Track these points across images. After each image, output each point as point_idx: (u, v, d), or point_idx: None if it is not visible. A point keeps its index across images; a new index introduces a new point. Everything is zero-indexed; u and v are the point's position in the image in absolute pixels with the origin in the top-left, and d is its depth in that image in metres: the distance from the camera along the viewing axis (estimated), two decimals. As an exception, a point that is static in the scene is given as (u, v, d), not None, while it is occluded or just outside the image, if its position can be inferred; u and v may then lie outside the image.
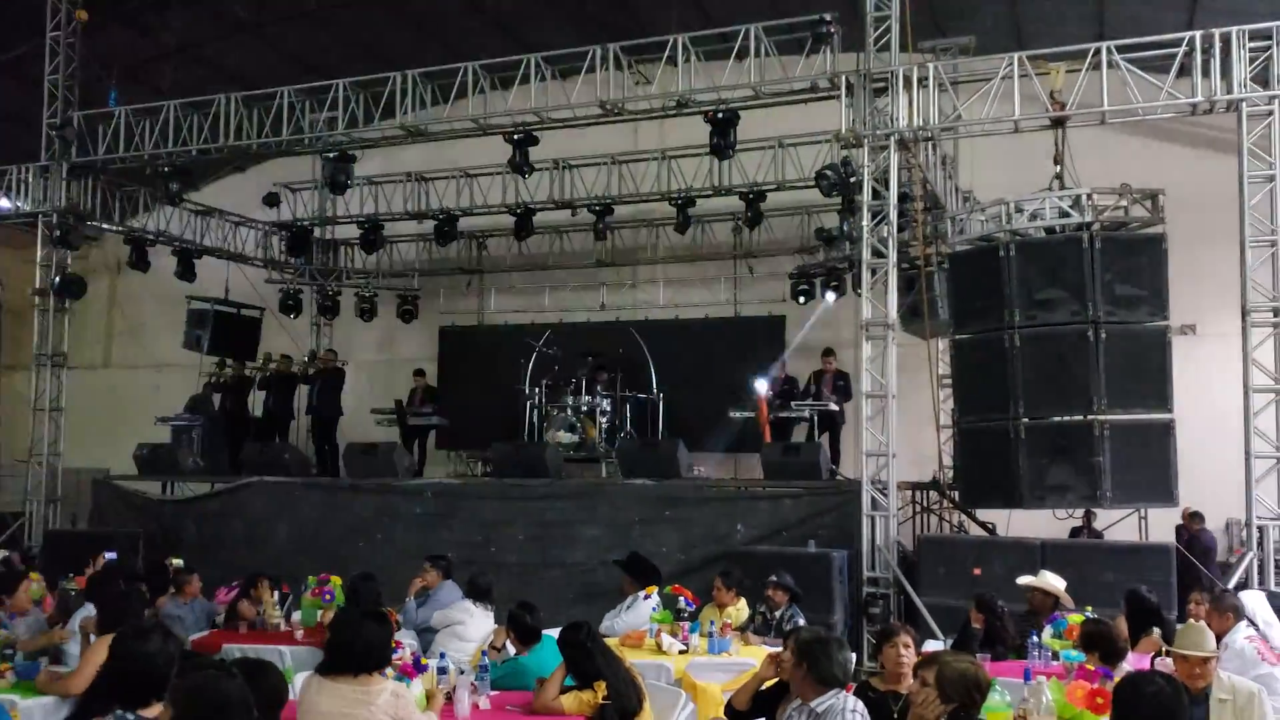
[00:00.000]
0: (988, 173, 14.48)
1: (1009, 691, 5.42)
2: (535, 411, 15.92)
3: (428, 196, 17.80)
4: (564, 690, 5.90)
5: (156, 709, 3.88)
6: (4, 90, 17.05)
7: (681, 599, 8.90)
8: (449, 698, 5.93)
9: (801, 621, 8.31)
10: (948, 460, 13.42)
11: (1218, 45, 10.98)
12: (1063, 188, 11.48)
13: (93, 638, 6.42)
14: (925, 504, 14.20)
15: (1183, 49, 11.11)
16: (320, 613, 8.55)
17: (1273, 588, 10.03)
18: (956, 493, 13.14)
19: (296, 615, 8.87)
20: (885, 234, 11.84)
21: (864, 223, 11.93)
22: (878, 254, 11.89)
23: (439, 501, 13.57)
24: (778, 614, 8.77)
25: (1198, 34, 11.11)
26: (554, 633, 6.45)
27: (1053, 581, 8.15)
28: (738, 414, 14.43)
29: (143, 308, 20.31)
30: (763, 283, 17.38)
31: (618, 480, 13.43)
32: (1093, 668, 5.55)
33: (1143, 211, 11.29)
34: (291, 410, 17.22)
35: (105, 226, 16.42)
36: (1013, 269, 11.03)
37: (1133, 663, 6.25)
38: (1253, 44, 10.91)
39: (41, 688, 6.30)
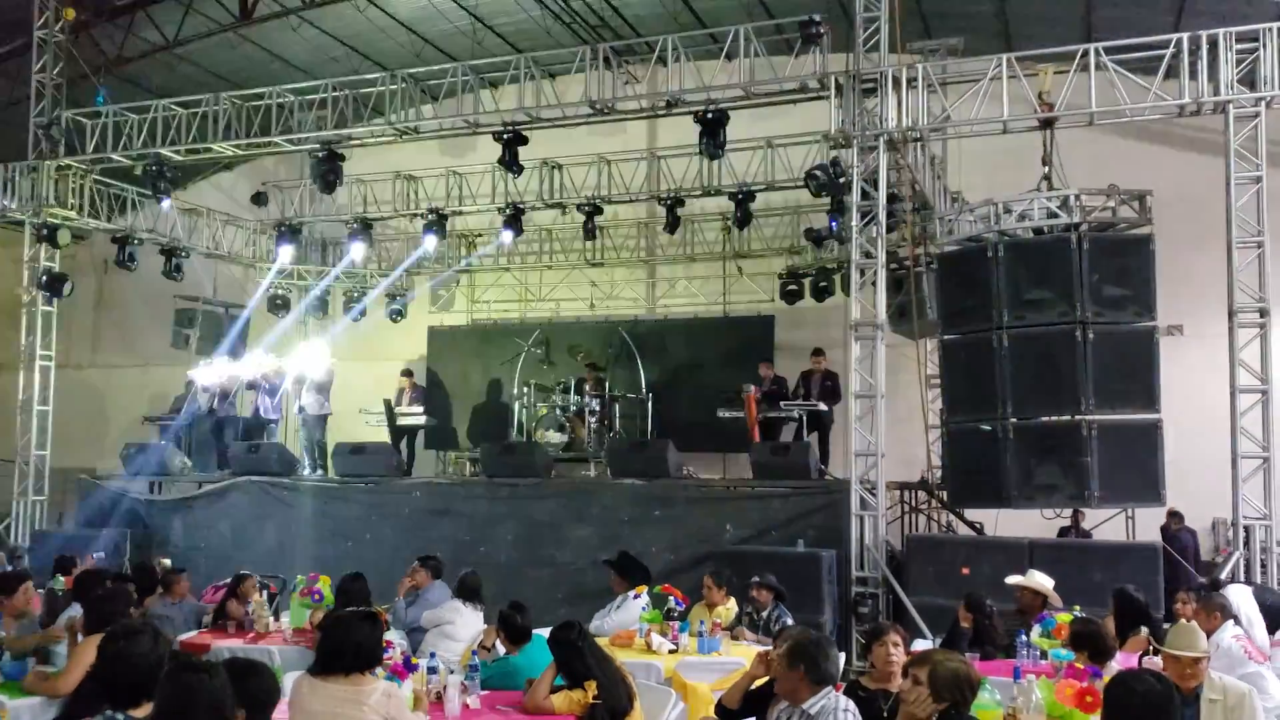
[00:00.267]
0: (976, 174, 14.51)
1: (999, 690, 5.43)
2: (524, 411, 15.92)
3: (417, 195, 17.77)
4: (554, 690, 5.90)
5: (146, 709, 3.87)
6: (-9, 88, 17.00)
7: (671, 598, 8.90)
8: (438, 697, 5.92)
9: (789, 621, 8.33)
10: (936, 460, 13.44)
11: (1205, 47, 11.05)
12: (1051, 189, 11.53)
13: (80, 638, 6.39)
14: (914, 504, 14.23)
15: (1170, 51, 11.17)
16: (309, 613, 8.53)
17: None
18: (945, 492, 13.16)
19: (285, 615, 8.85)
20: (874, 234, 11.87)
21: (853, 223, 11.95)
22: (867, 254, 11.92)
23: (428, 501, 13.57)
24: (764, 614, 8.79)
25: (1185, 36, 11.17)
26: (544, 632, 6.45)
27: (1041, 581, 8.17)
28: (726, 414, 14.43)
29: (130, 307, 20.23)
30: (752, 283, 17.41)
31: (607, 480, 13.43)
32: (1082, 666, 5.58)
33: (1130, 212, 11.35)
34: (279, 410, 17.16)
35: (93, 225, 16.35)
36: (1001, 270, 11.07)
37: (1121, 662, 6.28)
38: (1240, 46, 10.98)
39: (29, 688, 6.27)
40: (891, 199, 12.42)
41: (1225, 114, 11.08)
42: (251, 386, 17.04)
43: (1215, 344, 11.32)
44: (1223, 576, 9.93)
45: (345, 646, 5.00)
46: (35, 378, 15.51)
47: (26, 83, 15.39)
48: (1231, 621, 6.86)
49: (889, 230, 12.36)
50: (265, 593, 9.21)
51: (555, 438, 15.08)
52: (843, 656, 5.66)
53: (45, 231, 15.33)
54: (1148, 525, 13.18)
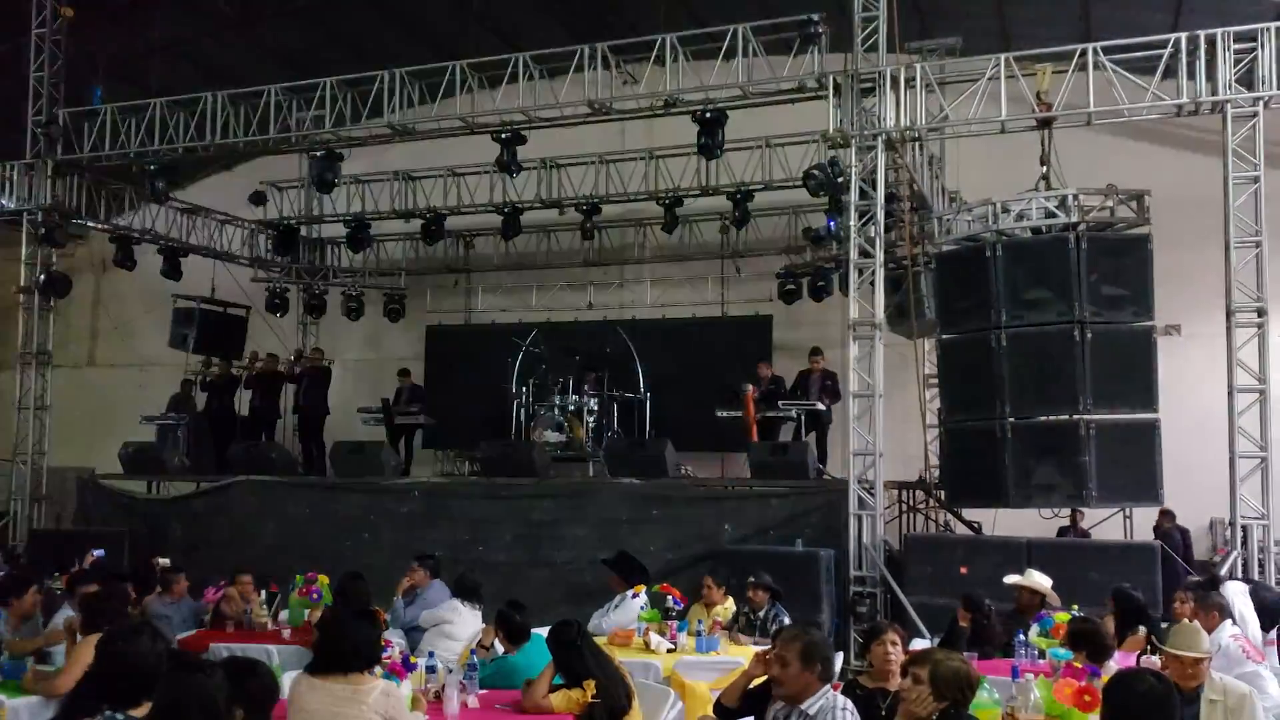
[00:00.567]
0: (974, 173, 14.51)
1: (997, 689, 5.44)
2: (522, 411, 15.92)
3: (415, 195, 17.77)
4: (553, 689, 5.91)
5: (145, 708, 3.87)
6: (-11, 87, 16.98)
7: (670, 598, 8.93)
8: (437, 696, 5.92)
9: (786, 620, 8.33)
10: (934, 460, 13.45)
11: (1203, 47, 11.06)
12: (1049, 188, 11.53)
13: (78, 637, 6.39)
14: (912, 503, 14.24)
15: (1168, 50, 11.17)
16: (308, 612, 8.54)
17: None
18: (943, 492, 13.17)
19: (284, 614, 8.85)
20: (872, 234, 11.87)
21: (851, 223, 11.95)
22: (865, 254, 11.92)
23: (426, 501, 13.57)
24: (761, 614, 8.79)
25: (1183, 35, 11.17)
26: (543, 631, 6.46)
27: (1039, 580, 8.19)
28: (725, 413, 14.43)
29: (128, 306, 20.20)
30: (750, 282, 17.40)
31: (605, 480, 13.43)
32: (1080, 665, 5.58)
33: (1128, 212, 11.35)
34: (278, 409, 17.15)
35: (90, 225, 16.35)
36: (999, 269, 11.07)
37: (1119, 661, 6.29)
38: (1237, 45, 10.99)
39: (28, 687, 6.28)
40: (890, 198, 12.42)
41: (1223, 114, 11.08)
42: (249, 386, 17.05)
43: (1213, 344, 11.33)
44: (1221, 575, 9.93)
45: (344, 646, 5.01)
46: (33, 377, 15.48)
47: (24, 81, 15.35)
48: (1230, 621, 6.88)
49: (887, 230, 12.36)
50: (264, 592, 9.22)
51: (553, 437, 15.08)
52: (840, 656, 5.67)
53: (43, 231, 15.31)
54: (1146, 525, 13.22)
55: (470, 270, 19.28)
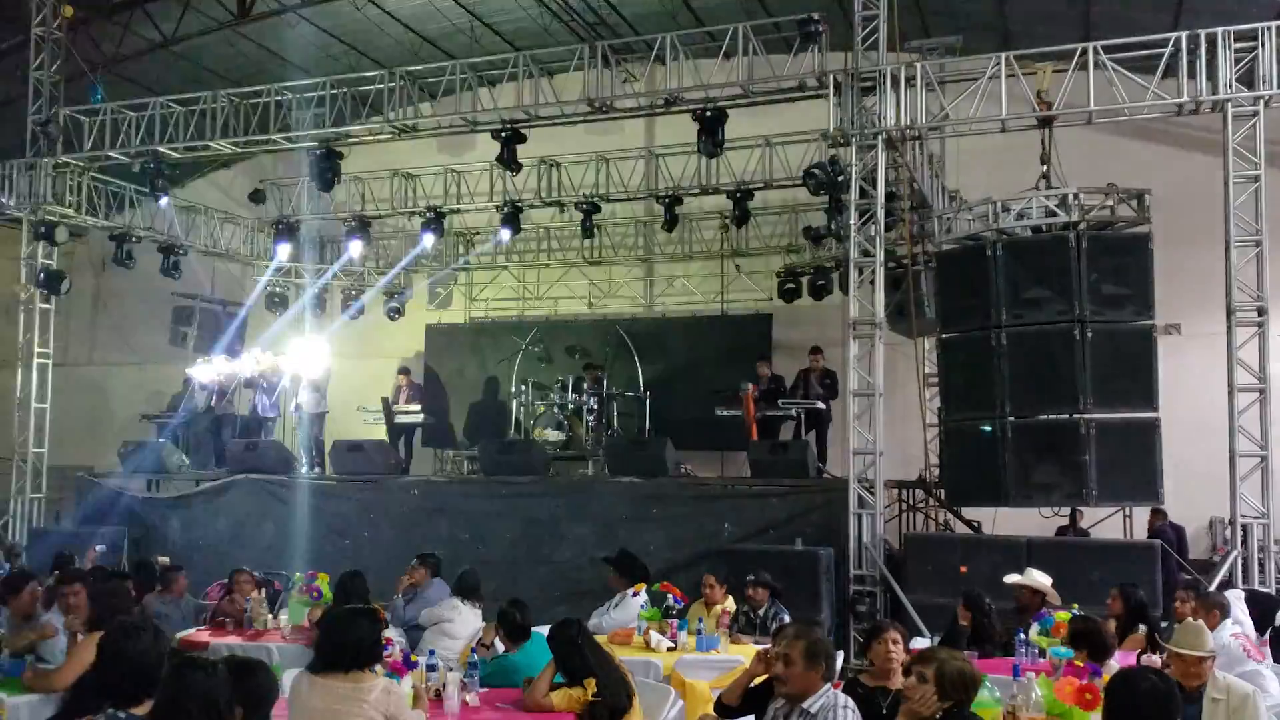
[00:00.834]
0: (974, 172, 14.51)
1: (998, 688, 5.44)
2: (522, 409, 15.92)
3: (415, 193, 17.76)
4: (554, 687, 5.91)
5: (146, 706, 3.88)
6: (-11, 86, 16.98)
7: (670, 596, 8.93)
8: (438, 695, 5.92)
9: (786, 618, 8.34)
10: (934, 459, 13.45)
11: (1203, 46, 11.05)
12: (1049, 187, 11.53)
13: (80, 636, 6.39)
14: (911, 502, 14.23)
15: (1169, 49, 11.17)
16: (308, 610, 8.53)
17: (1257, 586, 10.09)
18: (943, 491, 13.17)
19: (284, 613, 8.85)
20: (872, 233, 11.87)
21: (851, 222, 11.95)
22: (865, 253, 11.92)
23: (426, 499, 13.57)
24: (760, 612, 8.79)
25: (1184, 35, 11.17)
26: (543, 630, 6.46)
27: (1039, 579, 8.19)
28: (724, 412, 14.43)
29: (128, 304, 20.19)
30: (750, 281, 17.41)
31: (605, 478, 13.44)
32: (1081, 664, 5.58)
33: (1129, 211, 11.34)
34: (277, 408, 17.15)
35: (90, 223, 16.34)
36: (999, 268, 11.07)
37: (1120, 660, 6.29)
38: (1238, 45, 10.98)
39: (27, 684, 6.28)
40: (890, 197, 12.42)
41: (1223, 113, 11.08)
42: (249, 384, 17.04)
43: (1213, 343, 11.32)
44: (1221, 575, 9.94)
45: (345, 644, 5.00)
46: (33, 375, 15.48)
47: (24, 80, 15.35)
48: (1231, 620, 6.88)
49: (887, 229, 12.36)
50: (265, 590, 9.22)
51: (553, 436, 15.08)
52: (840, 654, 5.67)
53: (43, 229, 15.30)
54: (1145, 524, 13.21)
55: (470, 269, 19.27)
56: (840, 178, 12.09)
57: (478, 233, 18.72)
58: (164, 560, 10.48)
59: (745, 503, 12.47)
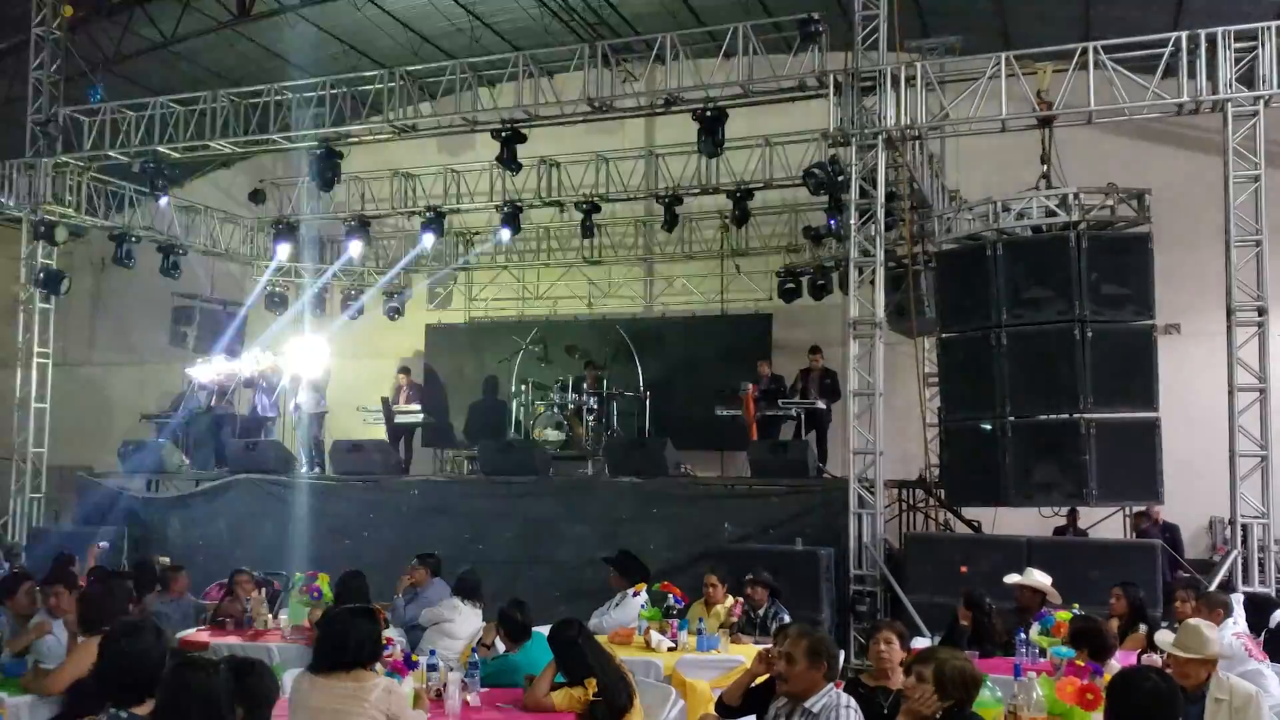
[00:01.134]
0: (974, 172, 14.53)
1: (999, 688, 5.43)
2: (522, 409, 15.91)
3: (415, 193, 17.76)
4: (554, 687, 5.91)
5: (148, 706, 3.87)
6: (-11, 86, 16.97)
7: (670, 596, 8.91)
8: (438, 695, 5.92)
9: (787, 618, 8.34)
10: (934, 458, 13.45)
11: (1204, 46, 11.05)
12: (1049, 187, 11.54)
13: (80, 638, 6.38)
14: (912, 502, 14.23)
15: (1169, 49, 11.17)
16: (308, 610, 8.53)
17: (1257, 587, 10.10)
18: (943, 491, 13.17)
19: (284, 613, 8.85)
20: (872, 233, 11.87)
21: (851, 221, 11.95)
22: (865, 253, 11.92)
23: (426, 499, 13.56)
24: (760, 612, 8.77)
25: (1184, 34, 11.17)
26: (544, 630, 6.46)
27: (1039, 579, 8.19)
28: (724, 412, 14.42)
29: (127, 304, 20.19)
30: (750, 281, 17.41)
31: (605, 478, 13.43)
32: (1082, 664, 5.57)
33: (1129, 211, 11.35)
34: (277, 407, 17.15)
35: (90, 222, 16.33)
36: (999, 268, 11.07)
37: (1120, 660, 6.29)
38: (1238, 44, 10.98)
39: (26, 685, 6.28)
40: (890, 197, 12.42)
41: (1223, 113, 11.08)
42: (249, 384, 17.02)
43: (1213, 342, 11.33)
44: (1221, 575, 9.94)
45: (346, 643, 5.00)
46: (33, 375, 15.47)
47: (24, 80, 15.34)
48: (1232, 619, 6.88)
49: (887, 228, 12.36)
50: (265, 590, 9.22)
51: (553, 436, 15.07)
52: (841, 654, 5.67)
53: (43, 229, 15.28)
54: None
55: (470, 268, 19.26)
56: (840, 177, 12.09)
57: (477, 233, 18.71)
58: (164, 560, 10.46)
59: (745, 503, 12.47)
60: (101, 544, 11.32)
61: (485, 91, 13.91)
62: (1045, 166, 11.65)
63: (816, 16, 11.97)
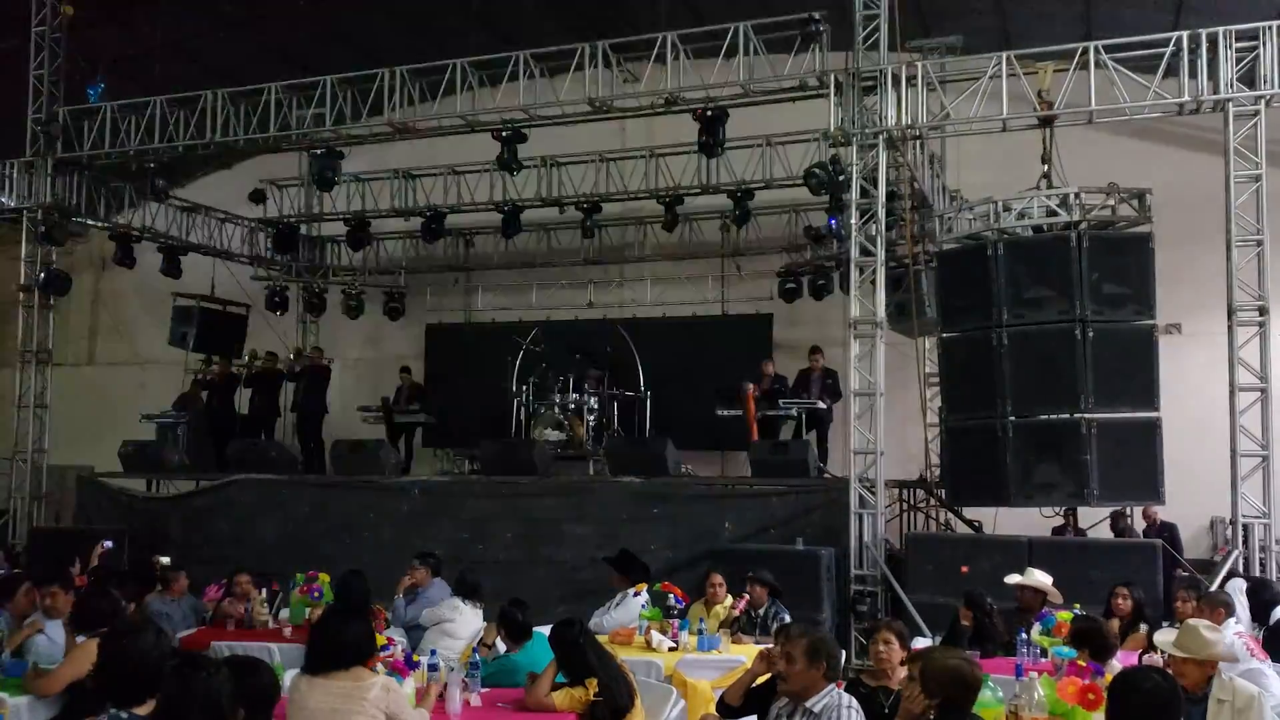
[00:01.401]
0: (975, 172, 14.51)
1: (1001, 688, 5.43)
2: (523, 409, 15.90)
3: (415, 194, 17.75)
4: (555, 687, 5.91)
5: (149, 706, 3.87)
6: (-11, 85, 16.95)
7: (671, 596, 8.91)
8: (439, 696, 5.91)
9: (787, 618, 8.32)
10: (935, 458, 13.44)
11: (1204, 45, 11.04)
12: (1050, 187, 11.53)
13: (80, 637, 6.37)
14: (912, 502, 14.23)
15: (1170, 49, 11.16)
16: (308, 610, 8.53)
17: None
18: (944, 491, 13.16)
19: (284, 613, 8.85)
20: (873, 232, 11.86)
21: (852, 221, 11.94)
22: (866, 252, 11.91)
23: (426, 499, 13.54)
24: (760, 611, 8.76)
25: (1185, 34, 11.16)
26: (545, 630, 6.46)
27: (1040, 579, 8.18)
28: (725, 412, 14.41)
29: (128, 304, 20.21)
30: (751, 281, 17.39)
31: (605, 478, 13.41)
32: (1084, 664, 5.56)
33: (1130, 211, 11.35)
34: (277, 407, 17.16)
35: (90, 223, 16.33)
36: (1000, 268, 11.07)
37: (1122, 660, 6.29)
38: (1239, 44, 10.97)
39: (26, 685, 6.27)
40: (891, 197, 12.41)
41: (1224, 112, 11.07)
42: (249, 384, 17.05)
43: (1214, 342, 11.32)
44: (1222, 575, 9.93)
45: (341, 642, 4.99)
46: (33, 375, 15.46)
47: (24, 80, 15.33)
48: (1234, 619, 6.87)
49: (888, 228, 12.35)
50: (266, 590, 9.22)
51: (554, 436, 15.06)
52: (842, 654, 5.67)
53: (43, 229, 15.28)
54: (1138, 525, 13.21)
55: (470, 268, 19.25)
56: (841, 177, 12.08)
57: (478, 232, 18.71)
58: (164, 560, 10.44)
59: (746, 502, 12.46)
60: (106, 544, 11.31)
61: (486, 91, 13.90)
62: (1046, 166, 11.63)
63: (817, 16, 11.95)
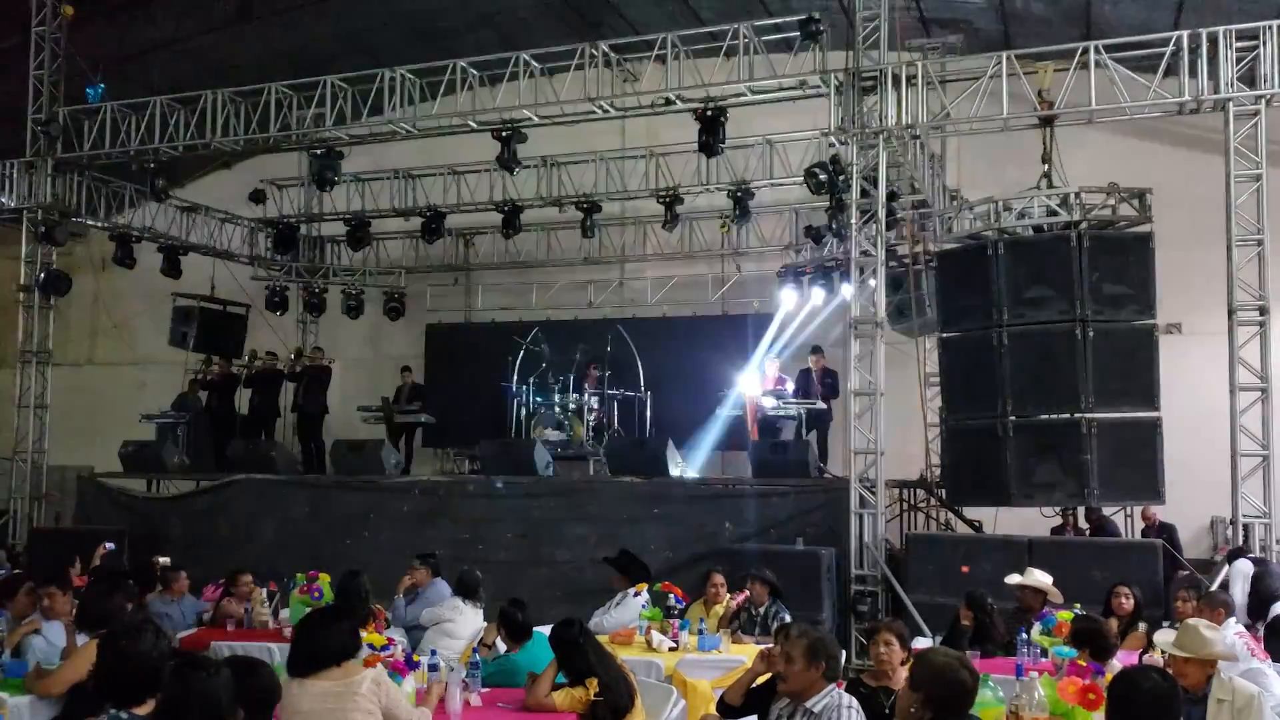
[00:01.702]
0: (976, 171, 14.52)
1: (1001, 688, 5.43)
2: (522, 409, 15.89)
3: (415, 193, 17.75)
4: (556, 687, 5.90)
5: (149, 706, 3.87)
6: (-11, 85, 16.95)
7: (671, 596, 8.91)
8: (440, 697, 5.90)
9: (787, 617, 8.31)
10: (935, 458, 13.43)
11: (1205, 45, 11.03)
12: (1050, 186, 11.53)
13: (83, 637, 6.37)
14: (913, 502, 14.22)
15: (1170, 48, 11.16)
16: (309, 611, 8.50)
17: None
18: (944, 490, 13.16)
19: (284, 613, 8.84)
20: (873, 232, 11.86)
21: (852, 221, 11.94)
22: (866, 252, 11.91)
23: (426, 499, 13.54)
24: (761, 610, 8.75)
25: (1185, 34, 11.16)
26: (545, 630, 6.45)
27: (1041, 579, 8.18)
28: (726, 412, 14.41)
29: (128, 304, 20.17)
30: (751, 280, 17.38)
31: (605, 478, 13.42)
32: (1084, 664, 5.56)
33: (1130, 210, 11.34)
34: (277, 408, 17.15)
35: (90, 223, 16.30)
36: (1001, 267, 11.06)
37: (1122, 659, 6.28)
38: (1239, 44, 10.97)
39: (28, 685, 6.27)
40: (891, 196, 12.40)
41: (1225, 112, 11.06)
42: (249, 384, 17.04)
43: (1215, 342, 11.30)
44: (1223, 575, 9.93)
45: (329, 643, 4.96)
46: (33, 375, 15.45)
47: (24, 79, 15.32)
48: (1234, 619, 6.87)
49: (888, 228, 12.35)
50: (264, 590, 9.21)
51: (554, 435, 15.05)
52: (842, 654, 5.67)
53: (43, 229, 15.28)
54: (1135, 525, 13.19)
55: (470, 268, 19.26)
56: (841, 177, 12.10)
57: (478, 232, 18.70)
58: (164, 560, 10.45)
59: (746, 502, 12.44)
60: (108, 545, 11.32)
61: (486, 91, 13.89)
62: (1046, 166, 11.64)
63: (817, 16, 11.95)
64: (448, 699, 5.76)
